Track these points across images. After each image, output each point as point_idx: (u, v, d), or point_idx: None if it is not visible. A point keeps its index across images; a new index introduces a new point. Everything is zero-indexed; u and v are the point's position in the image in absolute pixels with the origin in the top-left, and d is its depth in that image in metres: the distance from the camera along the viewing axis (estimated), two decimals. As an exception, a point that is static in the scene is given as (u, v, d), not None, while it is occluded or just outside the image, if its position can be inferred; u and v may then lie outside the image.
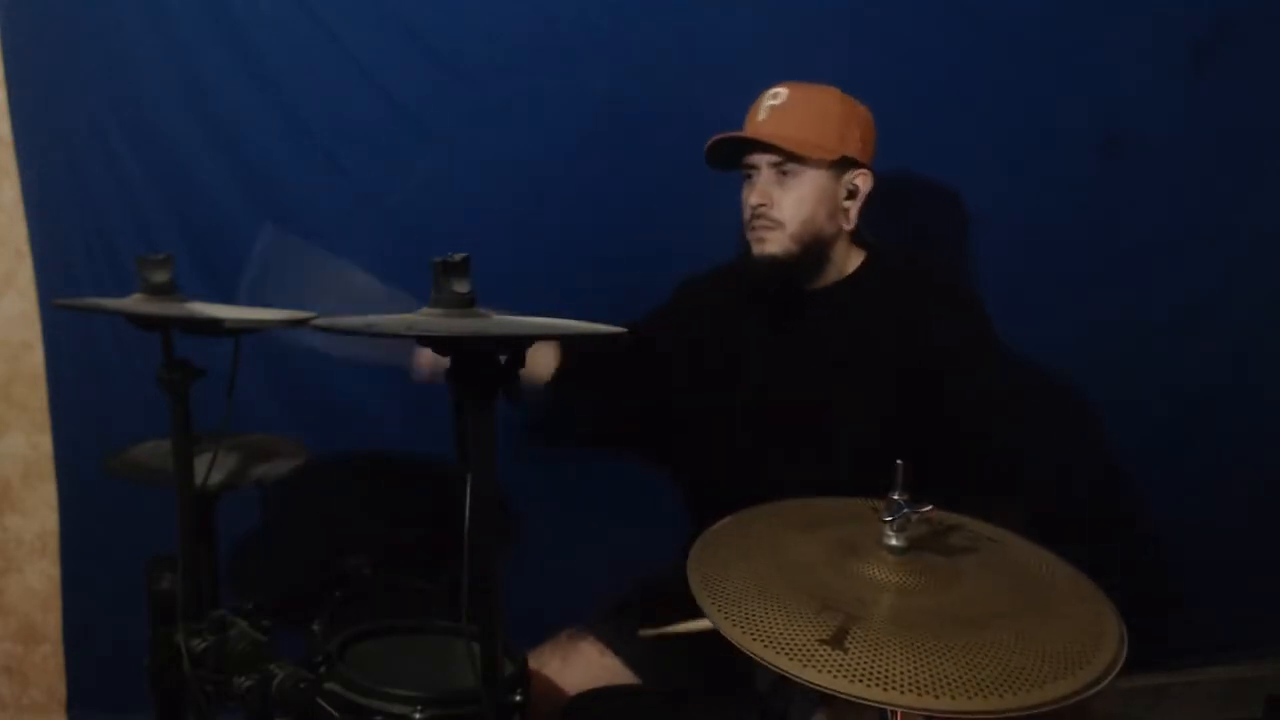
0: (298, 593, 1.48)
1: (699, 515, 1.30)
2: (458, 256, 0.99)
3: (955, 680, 0.90)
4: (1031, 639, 0.97)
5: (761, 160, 1.57)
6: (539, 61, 1.92)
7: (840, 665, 0.92)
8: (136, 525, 1.70)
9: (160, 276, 1.29)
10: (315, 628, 1.35)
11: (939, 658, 0.93)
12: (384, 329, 0.97)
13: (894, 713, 0.97)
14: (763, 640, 0.96)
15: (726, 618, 1.00)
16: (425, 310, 1.00)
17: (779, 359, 1.67)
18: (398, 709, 1.17)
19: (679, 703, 1.52)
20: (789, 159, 1.54)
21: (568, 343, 1.75)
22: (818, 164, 1.55)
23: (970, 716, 0.87)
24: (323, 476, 1.77)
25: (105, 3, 1.83)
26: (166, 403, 1.29)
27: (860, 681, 0.90)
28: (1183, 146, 2.11)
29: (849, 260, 1.64)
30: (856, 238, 1.65)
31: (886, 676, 0.90)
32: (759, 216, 1.57)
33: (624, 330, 1.06)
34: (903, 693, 0.89)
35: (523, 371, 0.98)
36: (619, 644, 1.61)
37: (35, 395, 2.01)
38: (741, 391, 1.69)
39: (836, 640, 0.95)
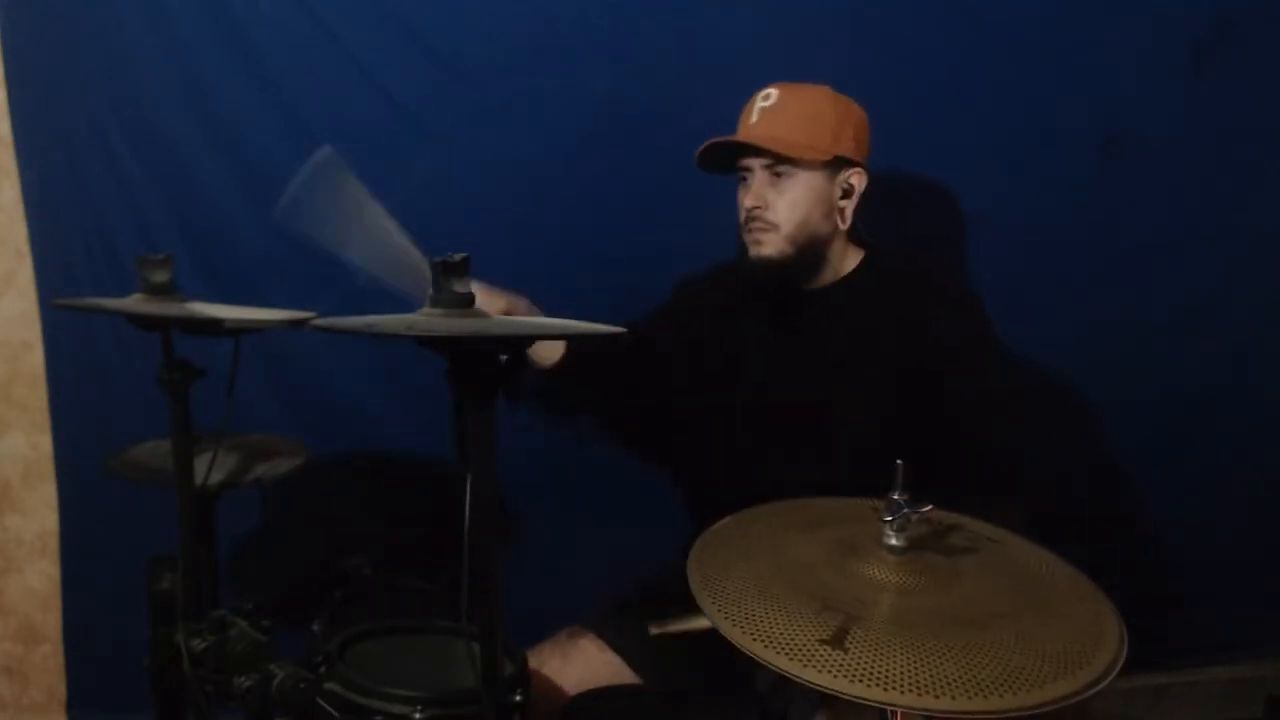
0: (298, 593, 1.47)
1: (699, 515, 1.30)
2: (458, 256, 0.99)
3: (955, 680, 0.90)
4: (1031, 639, 0.97)
5: (755, 163, 1.56)
6: (539, 61, 1.92)
7: (840, 665, 0.92)
8: (136, 525, 1.70)
9: (160, 276, 1.29)
10: (315, 628, 1.35)
11: (939, 658, 0.93)
12: (384, 329, 0.97)
13: (894, 713, 0.97)
14: (763, 640, 0.96)
15: (726, 618, 1.00)
16: (425, 310, 1.01)
17: (779, 359, 1.67)
18: (398, 709, 1.17)
19: (679, 703, 1.52)
20: (782, 161, 1.54)
21: (568, 342, 1.75)
22: (811, 164, 1.54)
23: (970, 716, 0.87)
24: (323, 476, 1.77)
25: (105, 3, 1.83)
26: (166, 403, 1.29)
27: (860, 681, 0.90)
28: (1183, 146, 2.11)
29: (846, 260, 1.64)
30: (854, 237, 1.64)
31: (886, 676, 0.90)
32: (754, 219, 1.57)
33: (624, 330, 1.06)
34: (903, 693, 0.89)
35: (530, 351, 0.97)
36: (619, 642, 1.61)
37: (35, 395, 2.01)
38: (741, 391, 1.69)
39: (836, 640, 0.95)
